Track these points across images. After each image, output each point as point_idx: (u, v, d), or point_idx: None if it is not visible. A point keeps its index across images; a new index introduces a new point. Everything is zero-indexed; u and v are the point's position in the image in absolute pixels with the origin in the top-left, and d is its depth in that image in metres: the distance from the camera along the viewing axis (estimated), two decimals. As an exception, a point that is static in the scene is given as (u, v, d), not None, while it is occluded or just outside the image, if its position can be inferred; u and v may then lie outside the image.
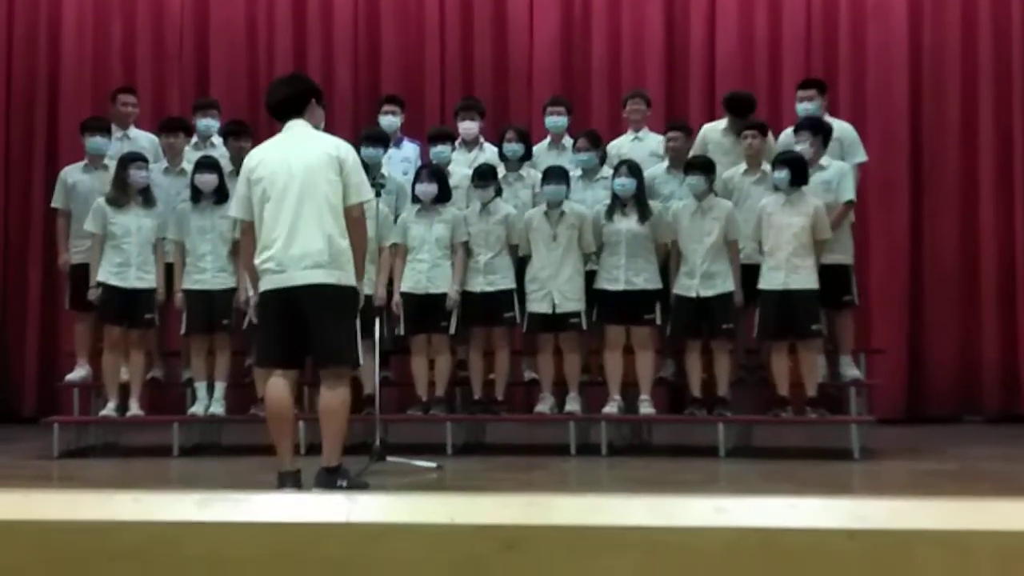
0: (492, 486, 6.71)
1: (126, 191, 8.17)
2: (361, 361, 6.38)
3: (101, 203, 8.19)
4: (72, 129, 9.41)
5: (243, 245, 6.29)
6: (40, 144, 11.05)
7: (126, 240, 8.13)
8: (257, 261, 6.01)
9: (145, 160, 8.30)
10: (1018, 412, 10.12)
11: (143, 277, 8.16)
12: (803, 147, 7.99)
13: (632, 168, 8.09)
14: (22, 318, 10.92)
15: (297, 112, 6.06)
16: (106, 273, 8.14)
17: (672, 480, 6.91)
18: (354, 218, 5.97)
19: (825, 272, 7.86)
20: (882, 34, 10.56)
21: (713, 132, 8.67)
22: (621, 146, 8.81)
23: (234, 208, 6.23)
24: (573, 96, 9.91)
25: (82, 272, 8.34)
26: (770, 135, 8.43)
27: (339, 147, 6.00)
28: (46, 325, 10.74)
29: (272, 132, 6.41)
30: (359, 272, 6.01)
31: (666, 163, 8.53)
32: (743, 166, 8.31)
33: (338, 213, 5.90)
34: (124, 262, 8.13)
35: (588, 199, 8.34)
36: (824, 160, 8.11)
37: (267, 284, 5.94)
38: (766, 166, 8.20)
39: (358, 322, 6.11)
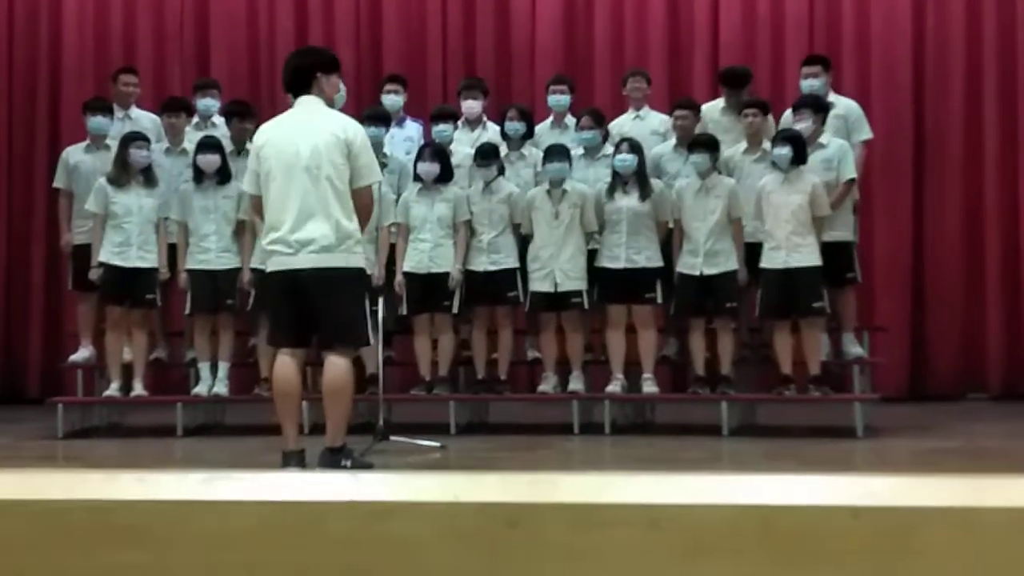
0: (496, 465, 6.73)
1: (127, 170, 8.16)
2: (371, 341, 6.40)
3: (102, 183, 8.18)
4: (74, 109, 9.39)
5: (254, 220, 6.30)
6: (43, 124, 11.03)
7: (127, 220, 8.13)
8: (264, 242, 6.02)
9: (146, 139, 8.29)
10: (1022, 390, 10.12)
11: (144, 256, 8.16)
12: (804, 125, 7.97)
13: (633, 145, 8.07)
14: (26, 299, 10.92)
15: (305, 88, 6.02)
16: (107, 253, 8.14)
17: (675, 458, 6.92)
18: (362, 199, 5.96)
19: (827, 249, 7.85)
20: (886, 12, 10.51)
21: (712, 111, 8.65)
22: (622, 125, 8.79)
23: (247, 183, 6.22)
24: (576, 75, 9.88)
25: (84, 252, 8.35)
26: (769, 115, 8.40)
27: (347, 129, 5.95)
28: (50, 306, 10.74)
29: (274, 111, 6.41)
30: None
31: (673, 141, 8.50)
32: (743, 144, 8.30)
33: (344, 196, 5.88)
34: (125, 242, 8.13)
35: (591, 177, 8.32)
36: (824, 138, 8.09)
37: (274, 265, 5.95)
38: (767, 144, 8.19)
39: (367, 302, 6.12)
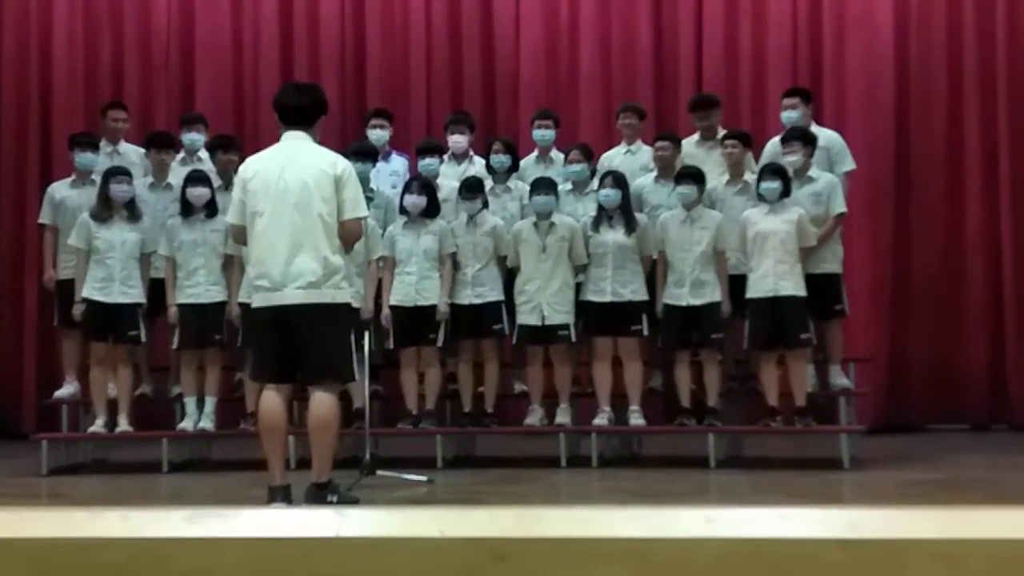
0: (482, 499, 6.70)
1: (109, 206, 8.14)
2: (356, 376, 6.39)
3: (85, 218, 8.16)
4: (65, 144, 9.36)
5: (240, 252, 6.28)
6: (33, 159, 11.02)
7: (110, 255, 8.09)
8: (251, 276, 6.00)
9: (127, 174, 8.26)
10: (1005, 420, 10.15)
11: (127, 292, 8.11)
12: (794, 158, 8.01)
13: (617, 179, 8.10)
14: (18, 334, 10.87)
15: (307, 122, 6.02)
16: (90, 289, 8.09)
17: (662, 491, 6.91)
18: (349, 232, 5.97)
19: (816, 282, 7.88)
20: (867, 44, 10.59)
21: (688, 145, 8.69)
22: (613, 159, 8.82)
23: (231, 213, 6.19)
24: (560, 108, 9.91)
25: (70, 288, 8.31)
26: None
27: (336, 164, 5.94)
28: (43, 341, 10.64)
29: (258, 143, 6.38)
30: None
31: (654, 173, 8.53)
32: (725, 176, 8.33)
33: (332, 231, 5.88)
34: (107, 277, 8.09)
35: (579, 211, 8.34)
36: (813, 172, 8.13)
37: (260, 301, 5.93)
38: (748, 176, 8.23)
39: (352, 337, 6.11)
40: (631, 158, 8.79)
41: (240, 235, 6.10)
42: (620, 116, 8.99)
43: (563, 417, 8.10)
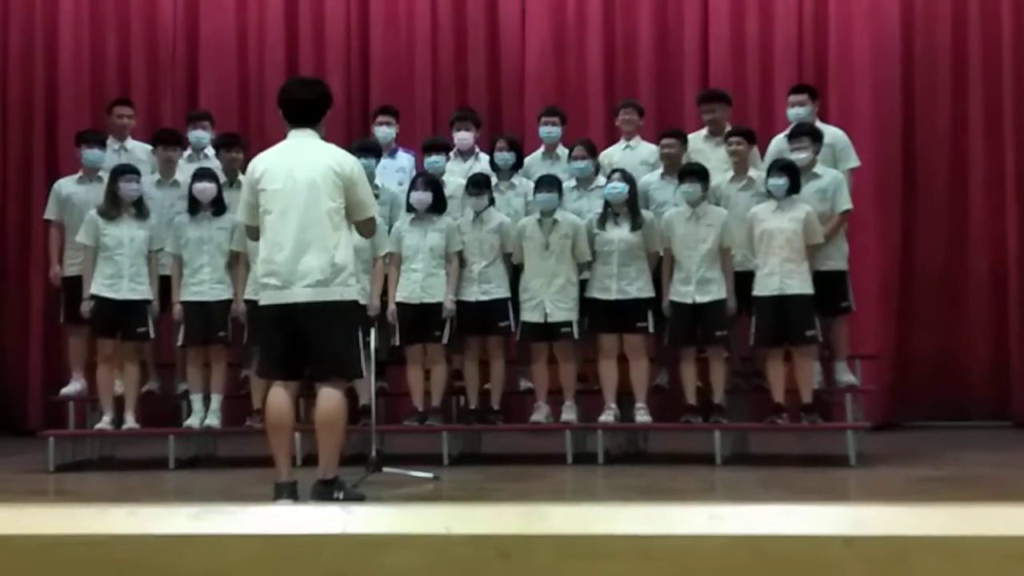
0: (488, 496, 6.71)
1: (117, 203, 8.16)
2: (364, 373, 6.39)
3: (93, 215, 8.18)
4: (71, 141, 9.37)
5: (247, 251, 6.32)
6: (39, 156, 11.03)
7: (118, 252, 8.11)
8: (258, 274, 6.02)
9: (136, 172, 8.28)
10: (1010, 416, 10.14)
11: (136, 288, 8.14)
12: (804, 155, 7.99)
13: (625, 175, 8.09)
14: (25, 330, 10.89)
15: (312, 119, 6.02)
16: (98, 285, 8.11)
17: (668, 488, 6.91)
18: (366, 231, 6.14)
19: (822, 279, 7.87)
20: (874, 39, 10.57)
21: (695, 141, 8.68)
22: (612, 154, 8.82)
23: (240, 212, 6.20)
24: (566, 105, 9.90)
25: (77, 284, 8.33)
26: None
27: (343, 163, 5.94)
28: (50, 337, 10.65)
29: (263, 142, 6.38)
30: None
31: (660, 170, 8.52)
32: (729, 173, 8.32)
33: (340, 228, 5.89)
34: (116, 274, 8.11)
35: (583, 208, 8.33)
36: (819, 168, 8.12)
37: (267, 299, 5.94)
38: (752, 172, 8.22)
39: (360, 334, 6.13)
40: (630, 153, 8.79)
41: (253, 233, 6.11)
42: (619, 112, 8.98)
43: (569, 414, 8.10)
